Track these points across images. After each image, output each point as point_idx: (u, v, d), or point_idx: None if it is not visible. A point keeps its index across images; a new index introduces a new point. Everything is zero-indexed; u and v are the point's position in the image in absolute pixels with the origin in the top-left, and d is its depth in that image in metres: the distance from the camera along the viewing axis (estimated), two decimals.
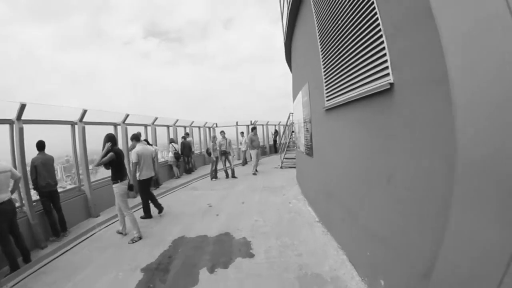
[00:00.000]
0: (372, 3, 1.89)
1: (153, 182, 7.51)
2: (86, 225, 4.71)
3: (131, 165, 4.59)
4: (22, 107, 4.00)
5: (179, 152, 9.39)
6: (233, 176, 8.47)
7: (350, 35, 2.32)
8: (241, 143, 12.61)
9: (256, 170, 9.08)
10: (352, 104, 2.45)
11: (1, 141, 4.04)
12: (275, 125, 17.42)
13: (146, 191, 4.81)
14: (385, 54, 1.81)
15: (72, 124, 5.29)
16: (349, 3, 2.26)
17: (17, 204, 3.99)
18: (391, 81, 1.73)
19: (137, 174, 4.66)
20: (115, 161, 3.85)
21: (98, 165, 3.90)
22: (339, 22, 2.55)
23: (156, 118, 8.67)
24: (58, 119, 5.02)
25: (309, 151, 4.65)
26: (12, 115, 3.98)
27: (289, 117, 11.73)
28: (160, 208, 4.92)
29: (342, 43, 2.55)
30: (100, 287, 2.69)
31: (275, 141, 16.40)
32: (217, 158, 8.39)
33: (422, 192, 1.53)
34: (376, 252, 2.14)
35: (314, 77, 3.85)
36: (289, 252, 3.08)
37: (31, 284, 2.88)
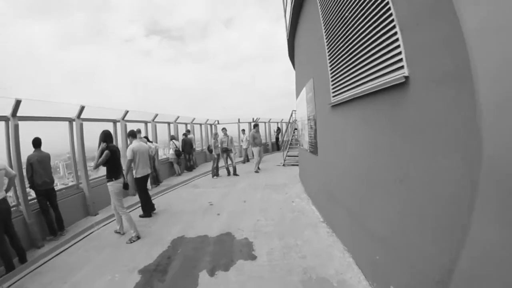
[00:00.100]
0: None
1: (153, 179, 7.45)
2: (84, 223, 4.62)
3: (125, 162, 4.48)
4: (17, 103, 3.90)
5: (180, 149, 9.29)
6: (235, 174, 8.37)
7: (359, 27, 2.18)
8: (242, 141, 12.50)
9: (258, 168, 8.96)
10: (361, 99, 2.31)
11: None
12: (277, 123, 17.29)
13: (143, 189, 4.71)
14: (398, 46, 1.67)
15: (70, 120, 5.18)
16: None
17: (13, 203, 3.90)
18: (406, 74, 1.59)
19: (134, 172, 4.56)
20: (110, 159, 3.75)
21: (97, 166, 3.81)
22: (347, 15, 2.41)
23: (157, 115, 8.55)
24: (56, 115, 4.91)
25: (314, 149, 4.52)
26: (7, 112, 3.87)
27: (291, 115, 11.58)
28: (152, 209, 4.87)
29: (350, 37, 2.41)
30: None
31: (277, 138, 16.30)
32: (218, 155, 8.28)
33: (439, 195, 1.40)
34: (386, 257, 2.02)
35: (320, 72, 3.71)
36: (293, 254, 2.96)
37: (27, 285, 2.79)
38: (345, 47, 2.54)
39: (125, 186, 4.01)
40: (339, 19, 2.64)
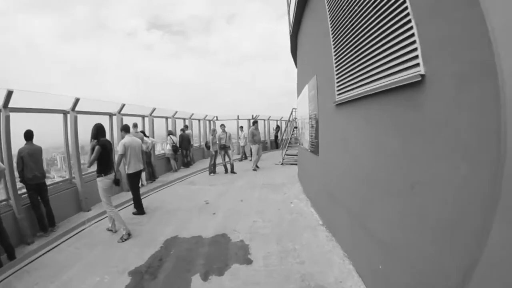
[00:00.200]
0: None
1: (149, 175, 7.31)
2: (76, 219, 4.49)
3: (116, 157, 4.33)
4: (9, 93, 3.75)
5: (178, 145, 9.14)
6: (232, 171, 8.24)
7: (369, 22, 2.03)
8: (239, 138, 12.35)
9: (257, 166, 8.82)
10: (369, 98, 2.17)
11: None
12: (276, 120, 17.13)
13: (135, 186, 4.58)
14: (414, 42, 1.53)
15: (64, 113, 5.02)
16: None
17: (2, 197, 3.76)
18: (422, 72, 1.46)
19: (126, 167, 4.42)
20: (101, 153, 3.61)
21: (91, 164, 3.67)
22: (356, 8, 2.27)
23: (154, 109, 8.38)
24: (50, 107, 4.75)
25: (314, 149, 4.38)
26: None
27: (291, 113, 11.43)
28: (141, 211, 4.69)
29: (358, 32, 2.27)
30: None
31: (276, 136, 16.15)
32: (216, 152, 8.14)
33: (453, 203, 1.27)
34: (390, 267, 1.90)
35: (324, 69, 3.56)
36: (290, 259, 2.84)
37: (15, 284, 2.67)
38: (353, 42, 2.40)
39: (116, 182, 3.86)
40: (347, 13, 2.49)
